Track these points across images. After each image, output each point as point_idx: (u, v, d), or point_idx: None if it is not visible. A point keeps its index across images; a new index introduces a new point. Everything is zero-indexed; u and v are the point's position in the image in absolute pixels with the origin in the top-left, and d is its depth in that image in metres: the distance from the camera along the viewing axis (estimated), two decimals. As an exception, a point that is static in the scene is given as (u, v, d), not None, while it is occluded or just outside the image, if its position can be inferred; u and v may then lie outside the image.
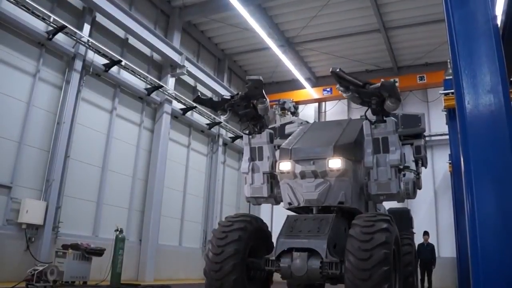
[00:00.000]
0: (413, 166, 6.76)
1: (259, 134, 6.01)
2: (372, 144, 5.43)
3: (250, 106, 5.77)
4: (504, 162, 3.35)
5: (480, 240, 3.24)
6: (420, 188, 6.75)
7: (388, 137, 5.37)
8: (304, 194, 5.44)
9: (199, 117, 16.21)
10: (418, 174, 6.85)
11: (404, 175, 6.09)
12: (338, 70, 4.97)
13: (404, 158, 5.60)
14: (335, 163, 5.26)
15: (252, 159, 6.04)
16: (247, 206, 17.47)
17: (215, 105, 5.92)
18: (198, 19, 16.03)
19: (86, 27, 11.24)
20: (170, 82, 14.37)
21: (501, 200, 3.30)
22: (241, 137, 16.84)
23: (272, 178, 6.03)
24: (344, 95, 5.26)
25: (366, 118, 5.45)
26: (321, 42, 17.09)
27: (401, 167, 5.56)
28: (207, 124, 16.60)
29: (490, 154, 3.43)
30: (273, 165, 5.92)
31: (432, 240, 13.34)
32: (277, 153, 5.92)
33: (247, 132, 6.09)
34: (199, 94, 6.09)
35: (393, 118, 5.44)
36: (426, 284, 12.99)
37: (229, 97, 5.80)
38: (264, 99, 5.68)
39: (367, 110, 5.46)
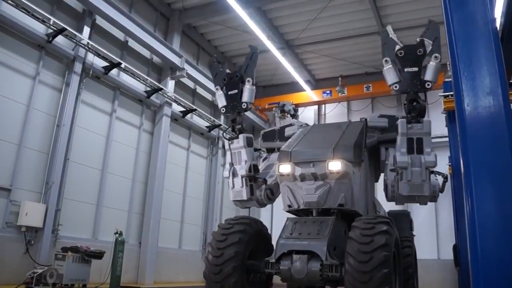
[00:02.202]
0: None
1: (236, 139, 6.10)
2: (406, 143, 5.33)
3: (240, 83, 6.09)
4: (504, 164, 3.34)
5: (480, 242, 3.24)
6: (442, 192, 6.70)
7: (423, 138, 5.31)
8: (304, 197, 5.44)
9: (199, 120, 16.21)
10: (446, 177, 6.83)
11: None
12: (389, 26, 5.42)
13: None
14: (335, 165, 5.27)
15: (232, 164, 6.15)
16: (247, 208, 17.45)
17: (217, 77, 6.34)
18: (198, 22, 16.06)
19: (86, 30, 11.26)
20: (170, 85, 14.37)
21: (500, 202, 3.30)
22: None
23: (253, 181, 6.07)
24: (386, 66, 5.44)
25: (405, 116, 5.42)
26: (321, 44, 17.10)
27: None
28: (207, 126, 16.59)
29: (489, 156, 3.42)
30: (250, 168, 6.01)
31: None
32: (277, 155, 5.94)
33: (227, 137, 6.22)
34: (215, 58, 6.65)
35: (429, 120, 5.41)
36: None
37: (229, 72, 6.26)
38: (252, 80, 6.05)
39: (405, 106, 5.48)
